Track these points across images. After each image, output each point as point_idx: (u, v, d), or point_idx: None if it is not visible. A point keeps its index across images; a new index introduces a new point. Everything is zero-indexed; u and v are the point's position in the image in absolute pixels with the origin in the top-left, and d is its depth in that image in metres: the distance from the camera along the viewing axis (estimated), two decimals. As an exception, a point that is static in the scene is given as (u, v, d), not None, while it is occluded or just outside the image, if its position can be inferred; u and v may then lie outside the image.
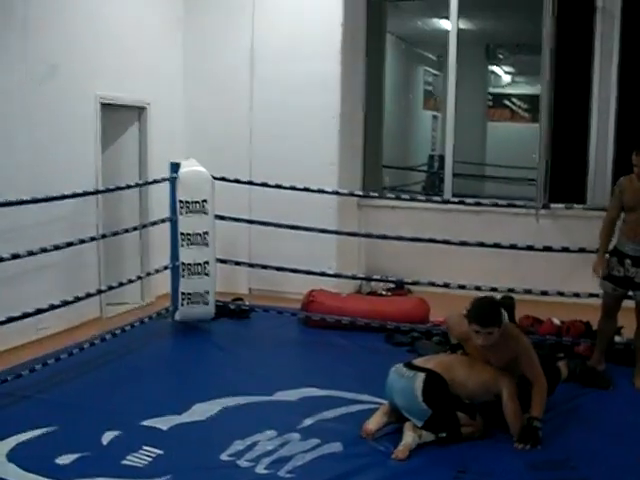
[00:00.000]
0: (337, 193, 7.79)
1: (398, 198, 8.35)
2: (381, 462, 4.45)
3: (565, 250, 6.65)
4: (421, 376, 4.73)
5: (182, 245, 6.83)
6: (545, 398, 4.86)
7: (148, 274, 7.36)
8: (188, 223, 6.81)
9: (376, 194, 8.26)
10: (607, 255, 5.88)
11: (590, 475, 4.36)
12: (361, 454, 4.52)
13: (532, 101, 10.84)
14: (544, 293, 6.72)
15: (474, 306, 4.85)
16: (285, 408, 5.25)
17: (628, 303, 5.92)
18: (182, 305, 6.89)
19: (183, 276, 6.86)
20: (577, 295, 6.61)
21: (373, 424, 4.78)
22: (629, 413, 5.38)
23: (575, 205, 7.48)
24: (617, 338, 6.40)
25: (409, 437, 4.60)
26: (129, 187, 7.17)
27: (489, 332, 4.72)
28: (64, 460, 4.31)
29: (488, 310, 4.81)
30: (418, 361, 4.96)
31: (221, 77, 8.36)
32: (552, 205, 7.86)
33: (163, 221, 7.06)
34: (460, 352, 5.07)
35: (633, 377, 5.85)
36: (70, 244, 6.02)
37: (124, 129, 7.83)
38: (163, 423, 4.86)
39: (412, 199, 8.17)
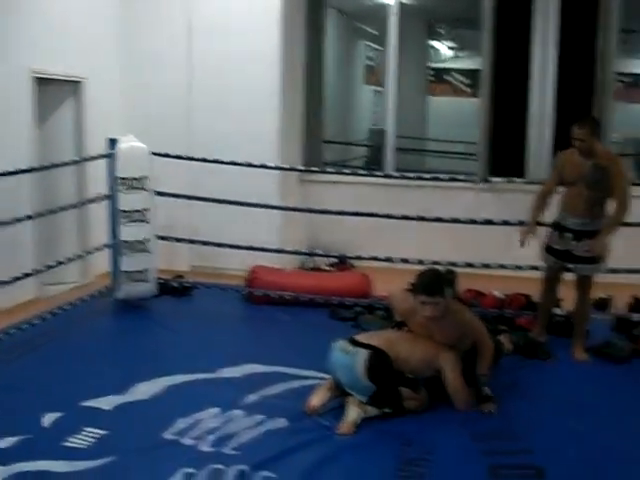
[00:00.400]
0: (278, 168, 7.75)
1: (340, 173, 8.34)
2: (326, 437, 4.44)
3: (506, 223, 6.70)
4: (364, 353, 4.73)
5: (121, 223, 6.73)
6: (490, 359, 4.96)
7: (87, 253, 7.23)
8: (127, 200, 6.70)
9: (318, 169, 8.22)
10: (549, 228, 5.93)
11: (532, 445, 4.43)
12: (306, 429, 4.52)
13: (473, 76, 10.92)
14: (486, 266, 6.78)
15: (419, 278, 4.89)
16: (229, 385, 5.21)
17: (568, 276, 5.99)
18: (123, 283, 6.80)
19: (123, 254, 6.76)
20: (519, 268, 6.70)
21: (317, 400, 4.78)
22: (568, 383, 5.48)
23: (515, 179, 7.54)
24: (557, 310, 6.49)
25: (353, 412, 4.60)
26: (66, 164, 7.03)
27: (436, 302, 4.76)
28: (4, 443, 4.22)
29: (433, 280, 4.87)
30: (361, 337, 4.95)
31: (159, 52, 8.19)
32: (493, 179, 7.92)
33: (101, 198, 6.93)
34: (404, 329, 5.08)
35: (572, 348, 5.93)
36: (4, 223, 5.88)
37: (60, 104, 7.65)
38: (105, 403, 4.80)
39: (354, 174, 8.16)
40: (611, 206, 5.71)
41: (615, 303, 6.98)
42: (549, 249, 5.95)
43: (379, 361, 4.71)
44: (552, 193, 5.97)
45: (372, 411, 4.66)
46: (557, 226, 5.90)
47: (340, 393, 4.81)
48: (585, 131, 5.60)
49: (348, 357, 4.76)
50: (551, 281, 6.07)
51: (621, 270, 6.07)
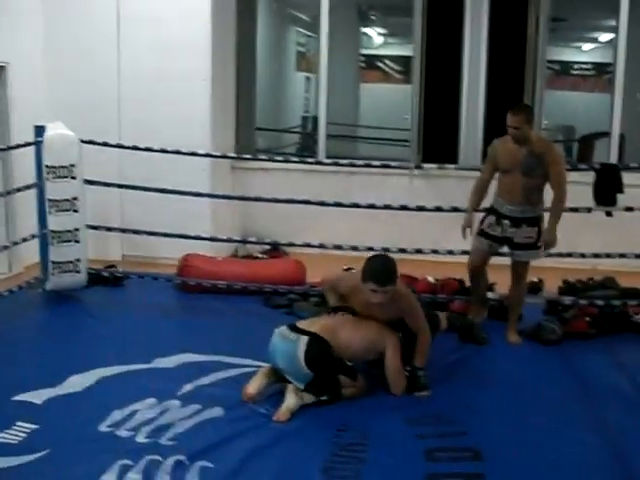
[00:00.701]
0: (210, 156, 7.67)
1: (272, 160, 8.29)
2: (263, 425, 4.44)
3: (438, 210, 6.76)
4: (304, 339, 4.72)
5: (50, 212, 6.57)
6: (428, 349, 4.99)
7: (15, 243, 7.06)
8: (56, 189, 6.55)
9: (250, 156, 8.17)
10: (484, 213, 5.98)
11: (468, 427, 4.49)
12: (242, 418, 4.50)
13: (404, 62, 10.95)
14: (418, 252, 6.83)
15: (370, 265, 4.85)
16: (164, 375, 5.15)
17: (499, 260, 6.06)
18: (53, 274, 6.66)
19: (52, 244, 6.62)
20: (451, 253, 6.75)
21: (253, 387, 4.76)
22: (502, 366, 5.57)
23: (448, 165, 7.60)
24: (490, 294, 6.55)
25: (290, 399, 4.60)
26: (-10, 153, 6.87)
27: (386, 291, 4.76)
28: None
29: (386, 269, 4.83)
30: (303, 324, 4.94)
31: (87, 39, 7.99)
32: (425, 166, 7.97)
33: (28, 187, 6.76)
34: (342, 314, 5.07)
35: (506, 332, 6.01)
36: None
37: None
38: (37, 397, 4.69)
39: (286, 161, 8.14)
40: (547, 192, 5.76)
41: (546, 287, 7.06)
42: (483, 233, 5.96)
43: (319, 348, 4.71)
44: (489, 183, 6.00)
45: (309, 398, 4.66)
46: (494, 211, 5.91)
47: (277, 380, 4.80)
48: (519, 118, 5.60)
49: (288, 343, 4.75)
50: (480, 265, 6.07)
51: (552, 254, 6.16)
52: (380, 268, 4.83)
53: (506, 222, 5.82)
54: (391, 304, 4.88)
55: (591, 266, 7.48)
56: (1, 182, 7.44)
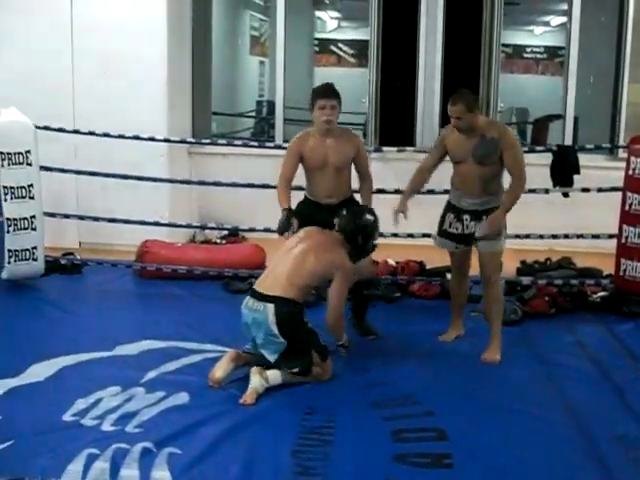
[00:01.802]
0: (167, 141, 7.60)
1: (230, 145, 8.24)
2: (229, 410, 4.42)
3: (397, 192, 6.75)
4: (270, 307, 4.70)
5: (5, 199, 6.47)
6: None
7: (-31, 231, 6.97)
8: (11, 176, 6.46)
9: (208, 141, 8.12)
10: (442, 212, 5.54)
11: (434, 409, 4.51)
12: (208, 404, 4.49)
13: (359, 46, 10.96)
14: (379, 235, 6.82)
15: (315, 89, 5.46)
16: (127, 362, 5.12)
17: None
18: (9, 263, 6.56)
19: (8, 232, 6.52)
20: (411, 236, 6.78)
21: (219, 371, 4.75)
22: (466, 347, 5.59)
23: (406, 148, 7.62)
24: (449, 276, 6.39)
25: (256, 381, 4.60)
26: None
27: (333, 105, 5.22)
28: None
29: (329, 85, 5.38)
30: (260, 285, 4.88)
31: (39, 22, 7.88)
32: (385, 149, 7.97)
33: (-17, 174, 6.67)
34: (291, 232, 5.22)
35: (487, 347, 5.41)
36: None
37: None
38: (-2, 387, 4.64)
39: (244, 145, 8.10)
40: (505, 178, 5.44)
41: (505, 268, 7.06)
42: (444, 233, 5.48)
43: (287, 310, 4.70)
44: (433, 169, 5.51)
45: (275, 379, 4.66)
46: (452, 208, 5.45)
47: (243, 364, 4.79)
48: (459, 108, 5.12)
49: (257, 314, 4.73)
50: (460, 265, 5.60)
51: (510, 235, 6.15)
52: (324, 85, 5.41)
53: (466, 217, 5.34)
54: (347, 143, 5.39)
55: (548, 247, 7.57)
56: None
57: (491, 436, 4.23)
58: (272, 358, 4.69)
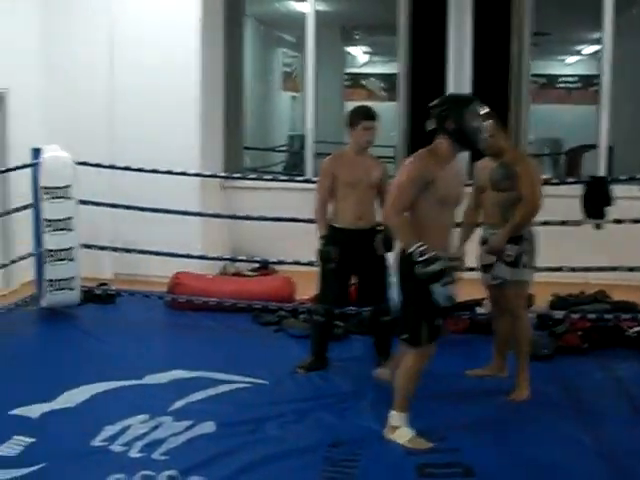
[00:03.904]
0: (199, 175, 7.81)
1: (260, 179, 8.43)
2: (255, 441, 4.48)
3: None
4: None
5: (45, 231, 6.73)
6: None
7: (12, 261, 7.20)
8: (51, 209, 6.72)
9: (239, 175, 8.29)
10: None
11: (460, 444, 4.44)
12: (234, 433, 4.56)
13: (389, 80, 11.07)
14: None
15: (355, 110, 5.59)
16: (155, 391, 5.25)
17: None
18: (47, 292, 6.79)
19: (47, 262, 6.76)
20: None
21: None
22: (495, 382, 5.43)
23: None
24: (478, 309, 6.50)
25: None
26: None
27: (375, 127, 5.46)
28: None
29: (369, 107, 5.62)
30: None
31: (81, 62, 8.19)
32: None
33: (25, 207, 6.92)
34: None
35: (516, 383, 5.26)
36: None
37: (-18, 115, 7.63)
38: (33, 411, 4.79)
39: (274, 179, 8.25)
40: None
41: (536, 301, 6.79)
42: (481, 267, 5.37)
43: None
44: (478, 207, 5.42)
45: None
46: (482, 241, 5.37)
47: None
48: (492, 124, 5.01)
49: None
50: (495, 304, 5.48)
51: (541, 268, 6.01)
52: (366, 107, 5.62)
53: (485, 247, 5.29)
54: (376, 165, 5.58)
55: (582, 280, 7.33)
56: (-1, 203, 7.59)
57: (518, 474, 4.19)
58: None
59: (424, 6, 8.62)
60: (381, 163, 5.77)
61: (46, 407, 4.89)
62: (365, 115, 5.49)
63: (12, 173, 7.30)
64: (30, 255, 6.99)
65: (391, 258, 5.04)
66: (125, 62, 8.15)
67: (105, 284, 7.68)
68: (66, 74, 8.24)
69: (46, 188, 6.68)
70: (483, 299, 6.29)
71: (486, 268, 5.30)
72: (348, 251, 5.44)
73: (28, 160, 6.81)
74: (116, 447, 4.37)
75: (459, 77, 8.63)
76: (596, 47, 10.48)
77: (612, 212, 6.47)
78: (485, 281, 5.39)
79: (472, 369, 5.59)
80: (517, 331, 5.26)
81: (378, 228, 5.47)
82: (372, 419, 4.80)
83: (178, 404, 4.99)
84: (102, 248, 7.59)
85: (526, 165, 5.20)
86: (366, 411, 4.94)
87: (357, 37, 12.74)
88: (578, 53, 14.28)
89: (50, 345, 6.30)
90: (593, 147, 8.89)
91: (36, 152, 6.76)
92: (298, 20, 9.35)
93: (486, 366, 5.58)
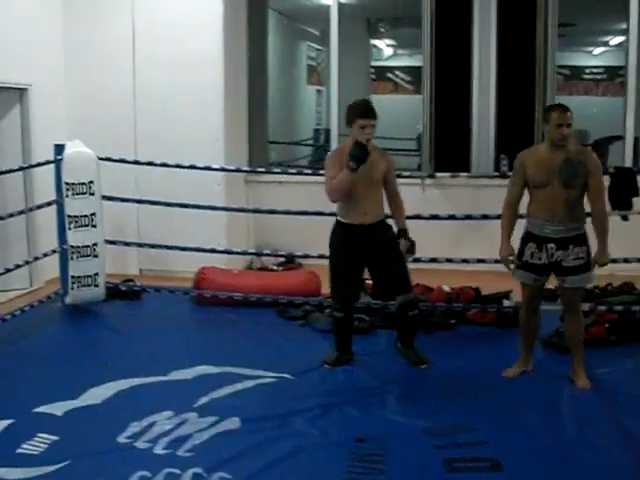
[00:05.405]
0: (224, 170, 7.78)
1: (285, 173, 8.37)
2: (280, 436, 4.46)
3: (452, 218, 6.78)
4: None
5: (69, 228, 6.71)
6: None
7: (36, 258, 7.19)
8: (75, 205, 6.70)
9: (263, 169, 8.25)
10: (520, 244, 5.23)
11: (488, 438, 4.42)
12: (260, 429, 4.53)
13: (414, 73, 10.99)
14: (433, 260, 6.85)
15: (354, 105, 5.31)
16: (181, 387, 5.23)
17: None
18: (72, 288, 6.78)
19: (72, 259, 6.74)
20: (465, 261, 6.77)
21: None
22: (523, 375, 5.44)
23: (460, 174, 7.62)
24: (505, 302, 6.52)
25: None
26: (12, 171, 6.94)
27: (372, 125, 5.21)
28: (-44, 452, 4.19)
29: (368, 103, 5.40)
30: None
31: (104, 57, 8.19)
32: (438, 174, 8.00)
33: (49, 204, 6.90)
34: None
35: (573, 375, 5.31)
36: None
37: (6, 111, 7.62)
38: (57, 409, 4.78)
39: (299, 173, 8.20)
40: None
41: None
42: (526, 265, 5.17)
43: None
44: (519, 201, 5.25)
45: None
46: (532, 237, 5.13)
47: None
48: (571, 114, 4.98)
49: None
50: (533, 300, 5.32)
51: None
52: (363, 103, 5.36)
53: (552, 245, 5.05)
54: (381, 158, 5.42)
55: (608, 271, 7.34)
56: (23, 199, 7.58)
57: (547, 468, 4.13)
58: None
59: (449, -2, 8.56)
60: (386, 154, 5.59)
61: (70, 404, 4.87)
62: (361, 113, 5.23)
63: (36, 169, 7.30)
64: (54, 252, 6.97)
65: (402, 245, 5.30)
66: (148, 58, 8.13)
67: (131, 280, 7.66)
68: (89, 70, 8.24)
69: (69, 184, 6.66)
70: (510, 292, 6.30)
71: (539, 268, 5.14)
72: (357, 245, 5.43)
73: (51, 156, 6.79)
74: (141, 444, 4.36)
75: (484, 69, 8.57)
76: (622, 38, 10.35)
77: (638, 203, 6.45)
78: (528, 280, 5.22)
79: (506, 369, 5.49)
80: (578, 326, 5.27)
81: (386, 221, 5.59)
82: (398, 413, 4.78)
83: (203, 400, 4.96)
84: (127, 244, 7.56)
85: (595, 162, 5.10)
86: (392, 405, 4.92)
87: (382, 30, 12.68)
88: (604, 44, 14.14)
89: (75, 342, 6.28)
90: (619, 138, 8.86)
91: (59, 148, 6.74)
92: (322, 13, 9.27)
93: (517, 363, 5.51)
